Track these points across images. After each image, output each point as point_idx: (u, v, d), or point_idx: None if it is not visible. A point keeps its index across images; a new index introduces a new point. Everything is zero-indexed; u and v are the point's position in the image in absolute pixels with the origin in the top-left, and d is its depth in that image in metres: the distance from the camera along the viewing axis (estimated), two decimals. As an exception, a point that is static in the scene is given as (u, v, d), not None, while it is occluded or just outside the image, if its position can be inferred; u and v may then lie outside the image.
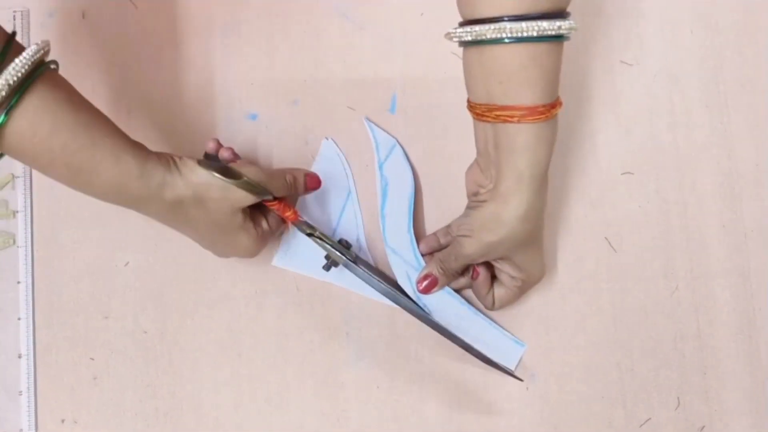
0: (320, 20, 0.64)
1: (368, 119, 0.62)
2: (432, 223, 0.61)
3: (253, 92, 0.63)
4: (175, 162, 0.51)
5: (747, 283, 0.61)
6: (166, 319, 0.60)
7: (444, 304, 0.58)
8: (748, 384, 0.59)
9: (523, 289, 0.57)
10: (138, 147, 0.51)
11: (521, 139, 0.49)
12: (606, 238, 0.61)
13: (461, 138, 0.62)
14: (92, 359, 0.60)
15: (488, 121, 0.50)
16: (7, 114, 0.44)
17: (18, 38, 0.63)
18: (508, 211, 0.51)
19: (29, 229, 0.61)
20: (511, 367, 0.59)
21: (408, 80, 0.63)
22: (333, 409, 0.59)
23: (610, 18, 0.64)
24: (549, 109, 0.48)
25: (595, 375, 0.59)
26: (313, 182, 0.58)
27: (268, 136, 0.63)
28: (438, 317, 0.58)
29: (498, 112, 0.49)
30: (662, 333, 0.60)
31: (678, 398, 0.59)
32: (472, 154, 0.62)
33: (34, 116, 0.45)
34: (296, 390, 0.59)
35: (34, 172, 0.62)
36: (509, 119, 0.48)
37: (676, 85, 0.63)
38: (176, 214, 0.52)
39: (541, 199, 0.52)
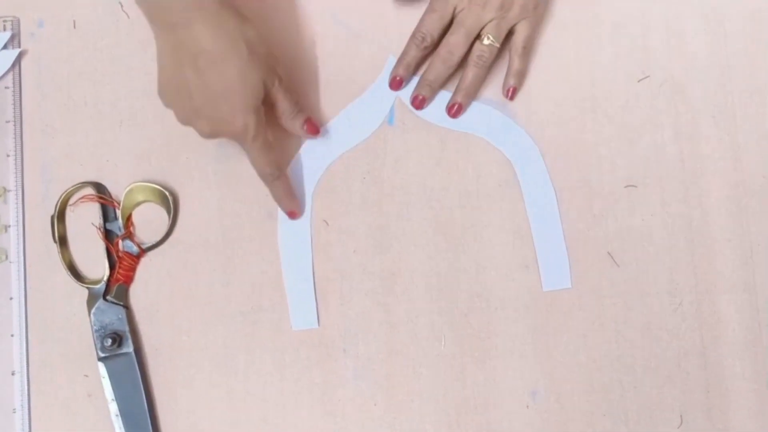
0: (317, 29, 0.63)
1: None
2: (429, 225, 0.60)
3: (247, 103, 0.62)
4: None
5: (753, 299, 0.59)
6: (161, 337, 0.59)
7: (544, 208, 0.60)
8: (753, 402, 0.58)
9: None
10: None
11: None
12: (609, 252, 0.60)
13: (458, 150, 0.61)
14: (86, 376, 0.59)
15: None
16: None
17: (8, 48, 0.63)
18: None
19: (21, 244, 0.60)
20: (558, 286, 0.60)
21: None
22: (330, 427, 0.58)
23: (616, 27, 0.62)
24: None
25: (597, 392, 0.58)
26: (312, 128, 0.59)
27: (264, 148, 0.61)
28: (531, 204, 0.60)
29: None
30: (665, 350, 0.59)
31: (681, 416, 0.58)
32: (470, 166, 0.61)
33: None
34: (293, 408, 0.59)
35: (26, 186, 0.61)
36: None
37: (681, 96, 0.61)
38: (198, 36, 0.51)
39: None
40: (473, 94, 0.61)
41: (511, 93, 0.61)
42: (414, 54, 0.60)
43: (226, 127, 0.54)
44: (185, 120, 0.54)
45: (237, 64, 0.52)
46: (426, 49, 0.60)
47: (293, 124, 0.58)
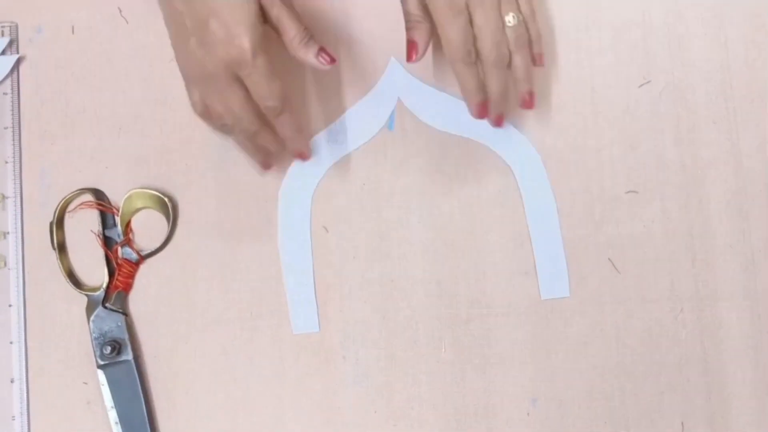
0: (315, 33, 0.62)
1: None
2: (428, 231, 0.60)
3: (246, 109, 0.62)
4: None
5: (754, 305, 0.59)
6: (161, 344, 0.59)
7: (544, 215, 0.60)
8: (754, 409, 0.58)
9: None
10: None
11: None
12: (609, 259, 0.60)
13: (459, 156, 0.61)
14: (85, 383, 0.59)
15: None
16: None
17: (6, 53, 0.62)
18: None
19: (20, 251, 0.60)
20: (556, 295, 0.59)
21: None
22: (330, 434, 0.58)
23: (616, 32, 0.62)
24: None
25: (597, 399, 0.58)
26: (327, 58, 0.51)
27: (263, 154, 0.61)
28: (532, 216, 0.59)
29: None
30: (666, 356, 0.59)
31: (682, 423, 0.58)
32: (470, 172, 0.61)
33: None
34: (292, 415, 0.58)
35: (24, 192, 0.61)
36: None
37: (682, 101, 0.61)
38: None
39: None
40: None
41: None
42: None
43: (222, 51, 0.47)
44: (188, 73, 0.50)
45: None
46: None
47: (305, 52, 0.51)
